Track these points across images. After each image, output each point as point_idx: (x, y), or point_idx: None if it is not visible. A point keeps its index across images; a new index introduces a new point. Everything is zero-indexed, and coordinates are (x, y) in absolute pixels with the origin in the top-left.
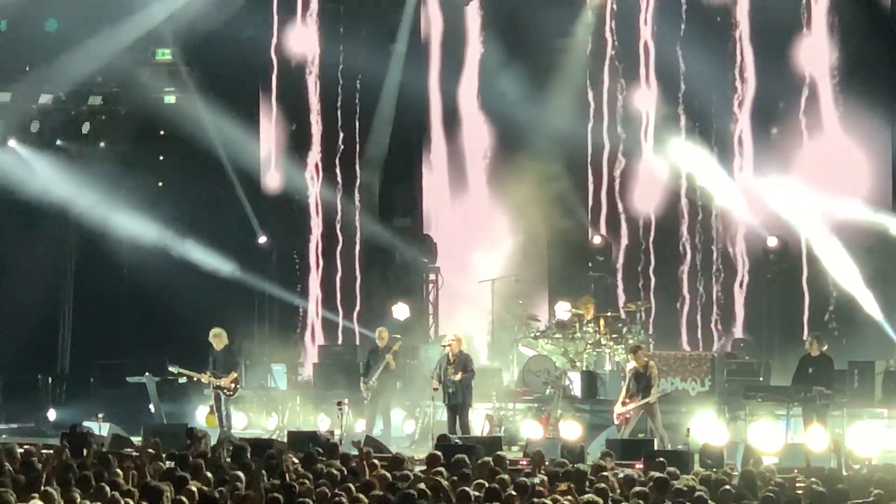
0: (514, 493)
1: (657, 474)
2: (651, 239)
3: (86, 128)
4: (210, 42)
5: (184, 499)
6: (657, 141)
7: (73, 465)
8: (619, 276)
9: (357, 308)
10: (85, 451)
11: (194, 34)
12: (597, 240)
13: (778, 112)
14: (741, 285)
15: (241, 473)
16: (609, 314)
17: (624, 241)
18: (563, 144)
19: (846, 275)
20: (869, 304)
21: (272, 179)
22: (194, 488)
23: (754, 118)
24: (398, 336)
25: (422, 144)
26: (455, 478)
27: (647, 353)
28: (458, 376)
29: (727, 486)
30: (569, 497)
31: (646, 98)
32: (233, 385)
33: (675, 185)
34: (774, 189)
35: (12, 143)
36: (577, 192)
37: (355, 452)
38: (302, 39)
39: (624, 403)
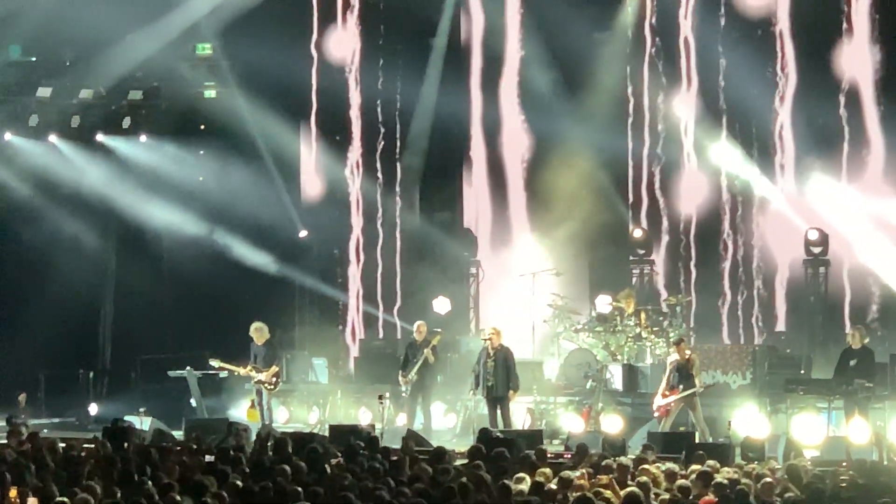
0: (555, 486)
1: (699, 467)
2: (692, 234)
3: (126, 122)
4: (250, 37)
5: (225, 493)
6: (698, 136)
7: (115, 459)
8: (660, 269)
9: (398, 302)
10: (126, 446)
11: (235, 29)
12: (637, 233)
13: (819, 108)
14: (782, 279)
15: (284, 467)
16: (650, 307)
17: (665, 236)
18: (603, 139)
19: (887, 268)
20: None
21: (312, 174)
22: (236, 482)
23: (795, 114)
24: (438, 330)
25: (462, 139)
26: (496, 471)
27: (688, 345)
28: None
29: (769, 479)
30: (610, 490)
31: (686, 94)
32: (274, 379)
33: (716, 180)
34: (815, 185)
35: (53, 137)
36: (618, 186)
37: (397, 446)
38: (342, 36)
39: (664, 396)
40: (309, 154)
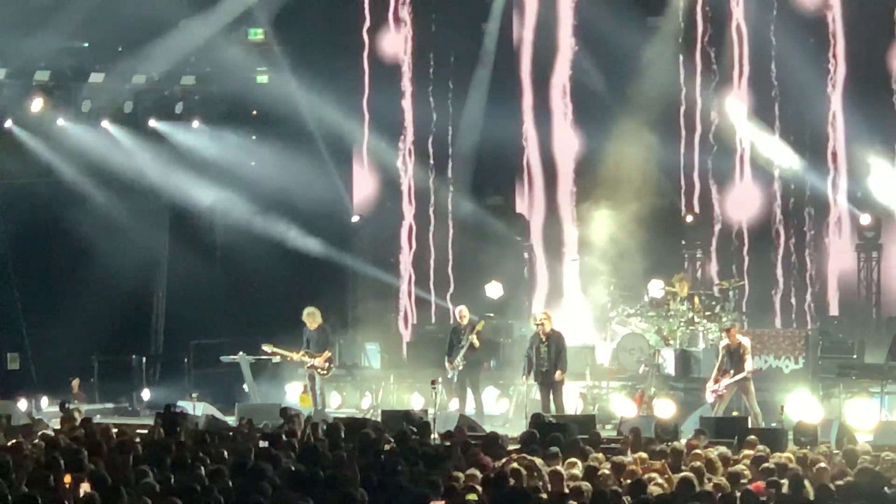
0: (608, 471)
1: (751, 452)
2: (744, 221)
3: (179, 108)
4: (302, 22)
5: (278, 479)
6: (750, 126)
7: (169, 444)
8: (713, 255)
9: (450, 287)
10: (179, 431)
11: (286, 14)
12: (689, 218)
13: (869, 90)
14: (835, 265)
15: (340, 452)
16: (702, 292)
17: (717, 223)
18: (654, 129)
19: None
20: None
21: (365, 159)
22: (289, 467)
23: (846, 98)
24: (491, 315)
25: (514, 124)
26: (548, 457)
27: (741, 330)
28: (558, 375)
29: (823, 464)
30: (663, 475)
31: (738, 83)
32: (326, 364)
33: (768, 168)
34: (868, 172)
35: (105, 123)
36: (669, 174)
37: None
38: (394, 19)
39: (717, 381)
40: (361, 139)
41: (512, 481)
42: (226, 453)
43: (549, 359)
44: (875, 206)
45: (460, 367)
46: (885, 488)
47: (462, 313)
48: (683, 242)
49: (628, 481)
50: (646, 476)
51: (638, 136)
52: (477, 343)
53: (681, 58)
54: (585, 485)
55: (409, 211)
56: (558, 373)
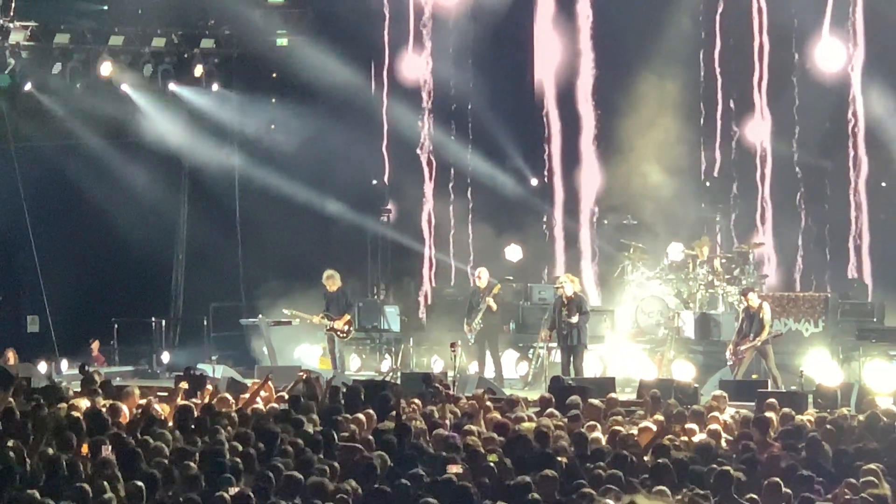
0: (628, 434)
1: (771, 414)
2: (767, 183)
3: (198, 70)
4: None
5: (299, 440)
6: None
7: (191, 406)
8: (734, 219)
9: (470, 250)
10: (199, 394)
11: None
12: (709, 183)
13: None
14: (857, 229)
15: (358, 416)
16: (722, 255)
17: (736, 184)
18: (676, 82)
19: None
20: None
21: (385, 123)
22: (309, 430)
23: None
24: (510, 278)
25: (533, 88)
26: (569, 420)
27: (760, 293)
28: (574, 318)
29: (843, 426)
30: (684, 437)
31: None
32: (346, 327)
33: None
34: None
35: (125, 86)
36: (692, 134)
37: (469, 394)
38: None
39: (736, 344)
40: (381, 103)
41: (533, 443)
42: (248, 415)
43: (571, 322)
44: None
45: (478, 330)
46: None
47: (480, 275)
48: (703, 205)
49: (649, 443)
50: (666, 438)
51: (659, 99)
52: (494, 306)
53: (701, 31)
54: (607, 447)
55: (429, 172)
56: (574, 317)
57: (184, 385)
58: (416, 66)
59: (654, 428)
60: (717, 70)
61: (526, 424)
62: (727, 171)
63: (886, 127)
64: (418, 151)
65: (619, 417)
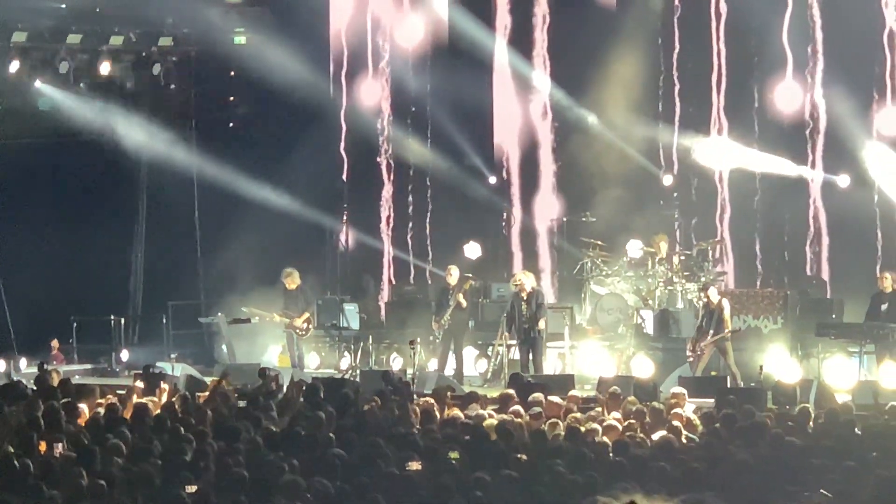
0: (588, 431)
1: (730, 411)
2: (725, 179)
3: (156, 69)
4: None
5: (259, 438)
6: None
7: (148, 405)
8: (692, 215)
9: (429, 247)
10: (158, 392)
11: None
12: (668, 180)
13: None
14: (814, 224)
15: (318, 413)
16: (681, 252)
17: (695, 181)
18: (633, 86)
19: None
20: None
21: (343, 120)
22: (270, 428)
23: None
24: (469, 275)
25: (492, 86)
26: (529, 416)
27: (719, 290)
28: (542, 324)
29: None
30: (643, 434)
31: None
32: (305, 325)
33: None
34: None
35: (83, 85)
36: (649, 129)
37: (428, 392)
38: None
39: (696, 341)
40: (340, 101)
41: (493, 440)
42: (207, 413)
43: (529, 316)
44: (854, 167)
45: (446, 327)
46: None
47: (450, 272)
48: (662, 202)
49: (608, 441)
50: (626, 435)
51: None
52: (464, 303)
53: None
54: (566, 444)
55: (387, 171)
56: (541, 321)
57: (140, 384)
58: (374, 67)
59: (614, 425)
60: (675, 74)
61: (487, 421)
62: (685, 173)
63: (845, 128)
64: (378, 149)
65: (579, 414)
